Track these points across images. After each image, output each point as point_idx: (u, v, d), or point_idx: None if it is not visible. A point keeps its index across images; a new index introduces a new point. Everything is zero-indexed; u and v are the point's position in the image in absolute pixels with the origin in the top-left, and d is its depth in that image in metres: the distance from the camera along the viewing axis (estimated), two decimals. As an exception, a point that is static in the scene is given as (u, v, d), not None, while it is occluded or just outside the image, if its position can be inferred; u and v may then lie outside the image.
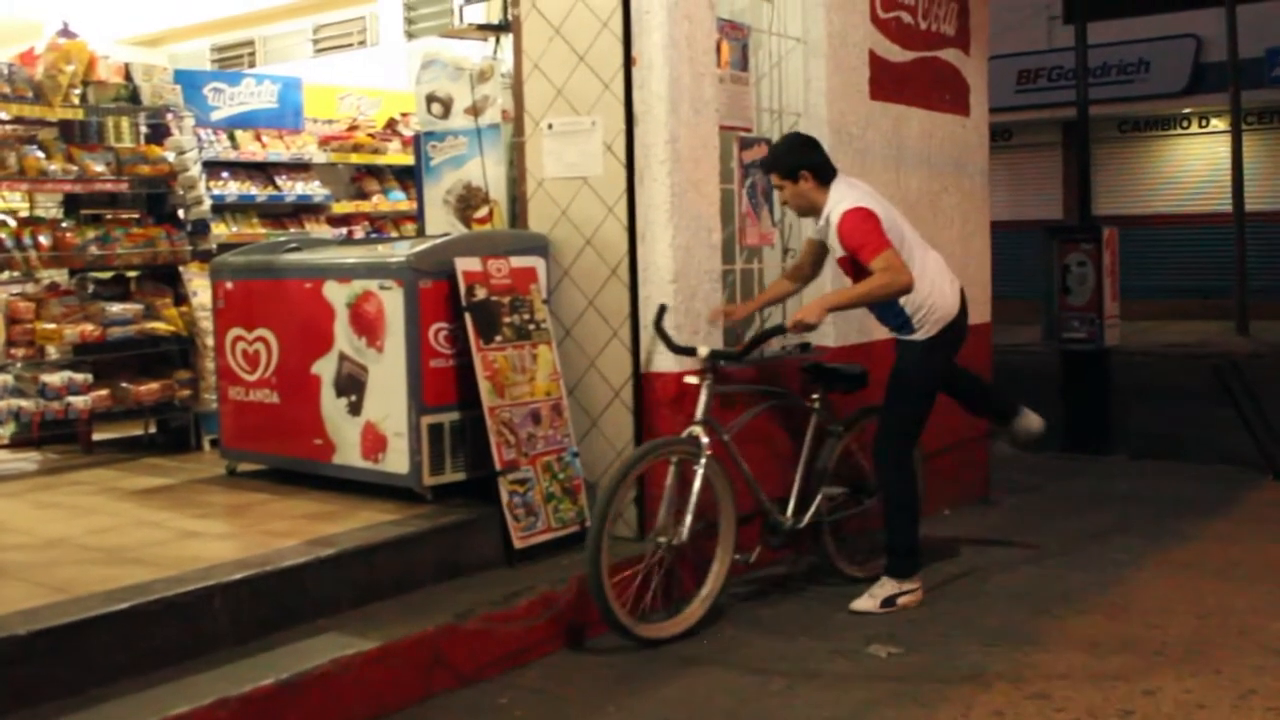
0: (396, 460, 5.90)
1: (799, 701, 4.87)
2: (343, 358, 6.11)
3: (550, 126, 6.31)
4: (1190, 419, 12.11)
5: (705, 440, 5.67)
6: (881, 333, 7.52)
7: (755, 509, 6.11)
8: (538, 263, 6.17)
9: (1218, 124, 23.53)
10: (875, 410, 6.48)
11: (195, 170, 7.95)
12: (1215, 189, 23.25)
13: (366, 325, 5.98)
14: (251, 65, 13.19)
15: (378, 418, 5.97)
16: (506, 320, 5.90)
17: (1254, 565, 6.80)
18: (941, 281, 6.21)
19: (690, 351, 5.89)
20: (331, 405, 6.18)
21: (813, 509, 6.27)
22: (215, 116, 8.77)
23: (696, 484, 5.63)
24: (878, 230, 5.90)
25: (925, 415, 6.28)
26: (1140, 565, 6.84)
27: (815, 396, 6.41)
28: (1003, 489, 8.88)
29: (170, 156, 7.91)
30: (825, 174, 6.09)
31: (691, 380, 5.87)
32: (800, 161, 6.06)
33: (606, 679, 5.12)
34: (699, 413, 5.75)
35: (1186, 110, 23.94)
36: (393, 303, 5.87)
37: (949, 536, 7.46)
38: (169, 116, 8.01)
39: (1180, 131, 24.45)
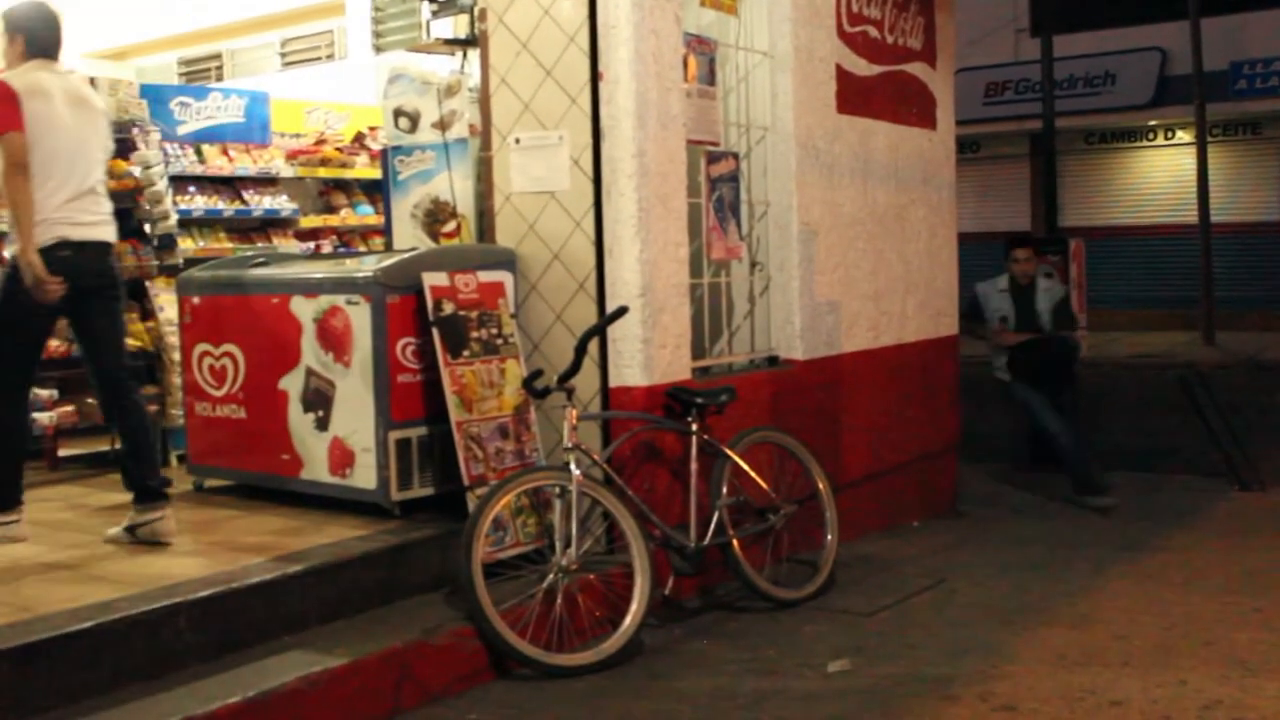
0: (364, 475, 5.89)
1: (765, 716, 4.87)
2: (310, 373, 6.10)
3: (518, 141, 6.31)
4: (1157, 430, 12.18)
5: (574, 469, 5.47)
6: (853, 344, 7.59)
7: (660, 536, 5.95)
8: (505, 277, 6.17)
9: (1183, 136, 23.69)
10: (763, 430, 6.55)
11: (161, 185, 7.92)
12: (1181, 200, 23.40)
13: (334, 340, 5.97)
14: (219, 79, 13.16)
15: (345, 433, 5.96)
16: (474, 335, 5.90)
17: (1220, 576, 6.85)
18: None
19: (543, 393, 5.73)
20: (299, 420, 6.17)
21: (712, 529, 6.07)
22: (182, 131, 8.73)
23: (573, 512, 5.44)
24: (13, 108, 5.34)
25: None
26: (1107, 576, 6.88)
27: (690, 420, 6.14)
28: (970, 501, 8.92)
29: (136, 171, 7.88)
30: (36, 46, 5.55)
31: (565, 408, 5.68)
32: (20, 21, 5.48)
33: (575, 694, 5.11)
34: (565, 441, 5.57)
35: (1152, 122, 24.10)
36: (360, 318, 5.86)
37: (917, 548, 7.48)
38: (135, 131, 7.98)
39: (1146, 144, 24.61)
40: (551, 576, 5.43)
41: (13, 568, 5.31)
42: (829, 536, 6.66)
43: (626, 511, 5.66)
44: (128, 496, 5.80)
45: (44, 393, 7.26)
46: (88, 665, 4.42)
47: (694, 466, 6.13)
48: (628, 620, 5.48)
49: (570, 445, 5.54)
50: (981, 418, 10.10)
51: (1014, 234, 19.38)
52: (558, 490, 5.55)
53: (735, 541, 6.17)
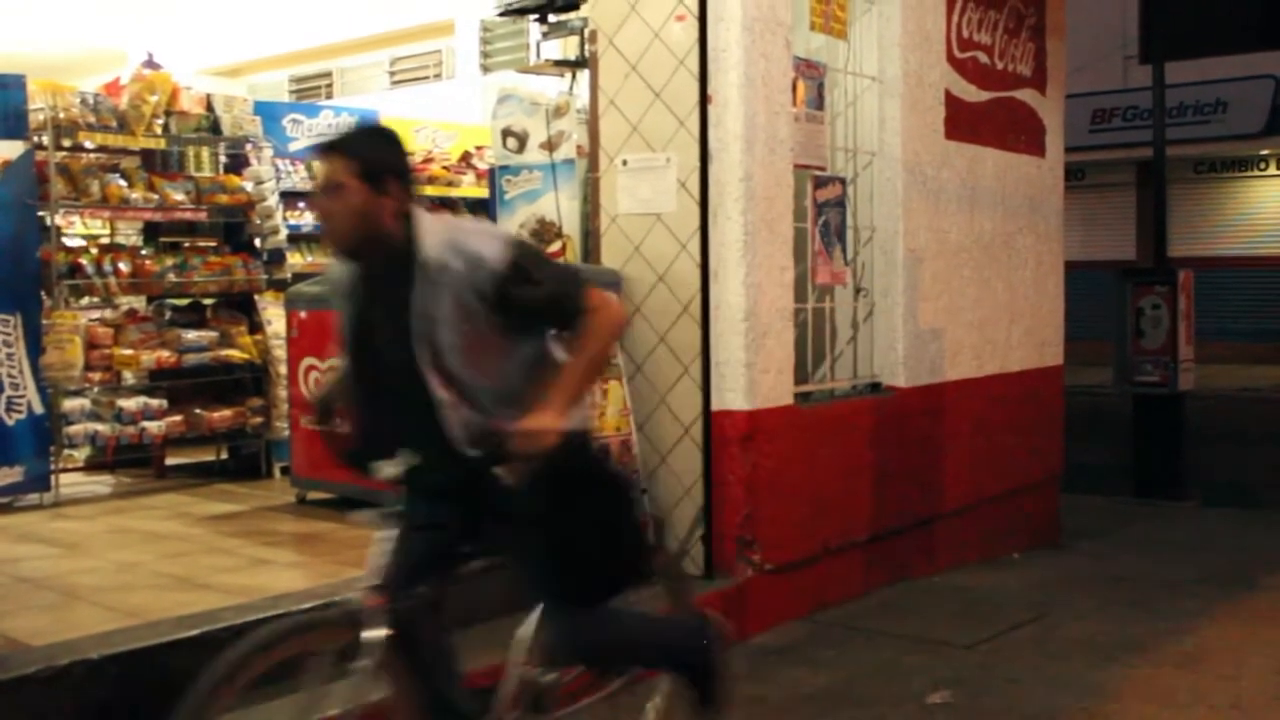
0: (465, 492, 5.90)
1: (865, 746, 4.83)
2: (414, 389, 6.13)
3: (625, 163, 6.33)
4: (1265, 465, 11.93)
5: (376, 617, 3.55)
6: (956, 372, 7.51)
7: None
8: (610, 298, 6.17)
9: (1296, 166, 23.26)
10: None
11: (272, 200, 8.06)
12: (1292, 232, 22.98)
13: (438, 357, 6.00)
14: (329, 97, 13.34)
15: (448, 450, 5.98)
16: (577, 355, 5.90)
17: (1331, 618, 6.69)
18: None
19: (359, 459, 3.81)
20: (402, 436, 6.20)
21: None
22: (293, 147, 8.87)
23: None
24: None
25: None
26: (1213, 615, 6.73)
27: None
28: (1074, 534, 8.78)
29: (248, 186, 8.03)
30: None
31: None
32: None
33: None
34: (369, 573, 3.63)
35: (1264, 152, 23.66)
36: (465, 335, 5.88)
37: (1018, 580, 7.38)
38: (248, 147, 8.14)
39: (1257, 173, 24.16)
40: None
41: (122, 574, 5.41)
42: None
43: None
44: (231, 506, 5.85)
45: (154, 402, 7.39)
46: (194, 671, 4.47)
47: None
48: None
49: (376, 580, 3.57)
50: (1086, 448, 9.96)
51: (1121, 263, 19.14)
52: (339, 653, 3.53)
53: None
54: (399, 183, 3.48)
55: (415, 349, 3.44)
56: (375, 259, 3.52)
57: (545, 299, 3.49)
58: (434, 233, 3.47)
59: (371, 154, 3.47)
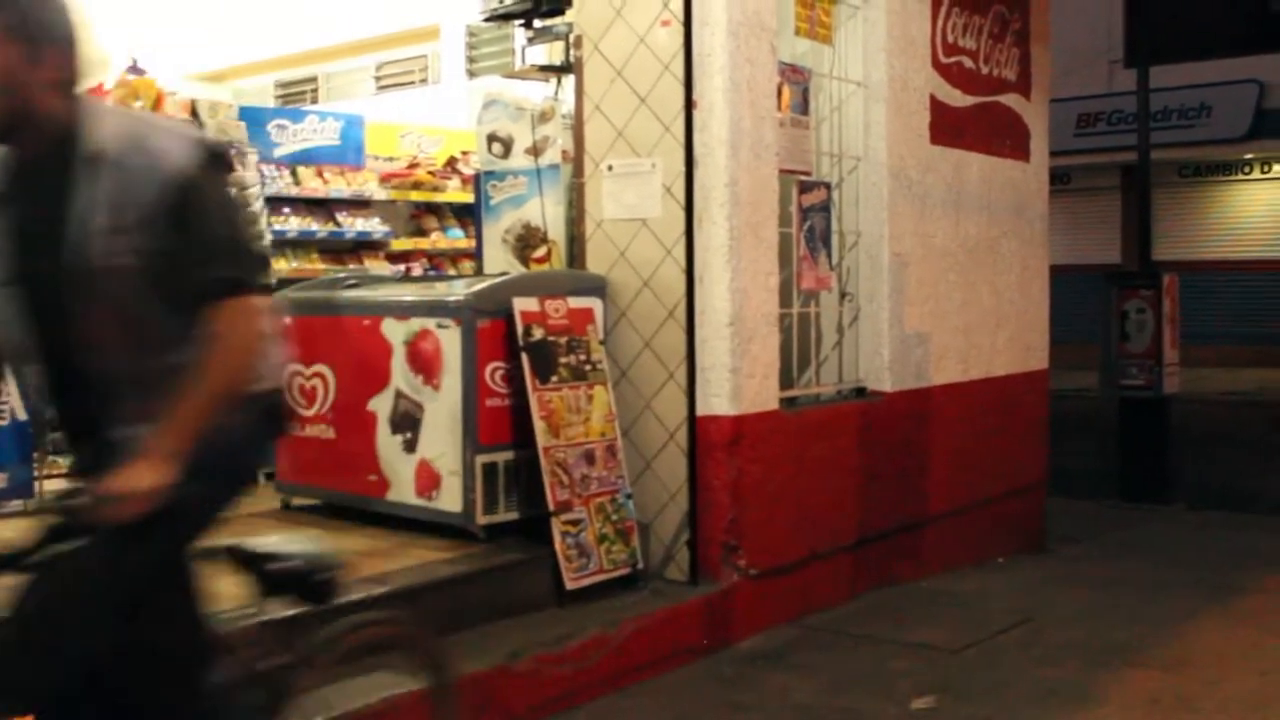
0: (450, 499, 5.91)
1: (851, 751, 4.83)
2: (399, 395, 6.14)
3: (610, 168, 6.33)
4: (1251, 469, 11.96)
5: None
6: (942, 376, 7.52)
7: None
8: (595, 303, 6.18)
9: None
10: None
11: (257, 206, 8.03)
12: (1277, 235, 23.01)
13: (423, 363, 6.01)
14: (314, 101, 13.33)
15: (432, 455, 5.99)
16: (563, 360, 5.91)
17: (1316, 621, 6.70)
18: None
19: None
20: (387, 442, 6.20)
21: None
22: (278, 153, 8.85)
23: None
24: None
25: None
26: (1199, 618, 6.74)
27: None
28: (1060, 538, 8.79)
29: (233, 192, 8.00)
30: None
31: None
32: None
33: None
34: None
35: (1248, 156, 23.73)
36: (450, 341, 5.89)
37: (1004, 585, 7.39)
38: (233, 152, 8.10)
39: (1241, 177, 24.23)
40: None
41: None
42: None
43: None
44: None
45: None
46: (177, 681, 4.45)
47: None
48: None
49: None
50: (1072, 452, 9.97)
51: (1107, 267, 19.19)
52: None
53: None
54: (63, 50, 2.84)
55: (70, 273, 2.76)
56: (27, 143, 2.85)
57: (189, 248, 2.78)
58: (110, 120, 2.85)
59: (26, 6, 2.79)
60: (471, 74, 7.42)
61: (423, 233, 9.97)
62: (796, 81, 6.61)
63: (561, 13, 6.68)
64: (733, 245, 6.03)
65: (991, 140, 8.16)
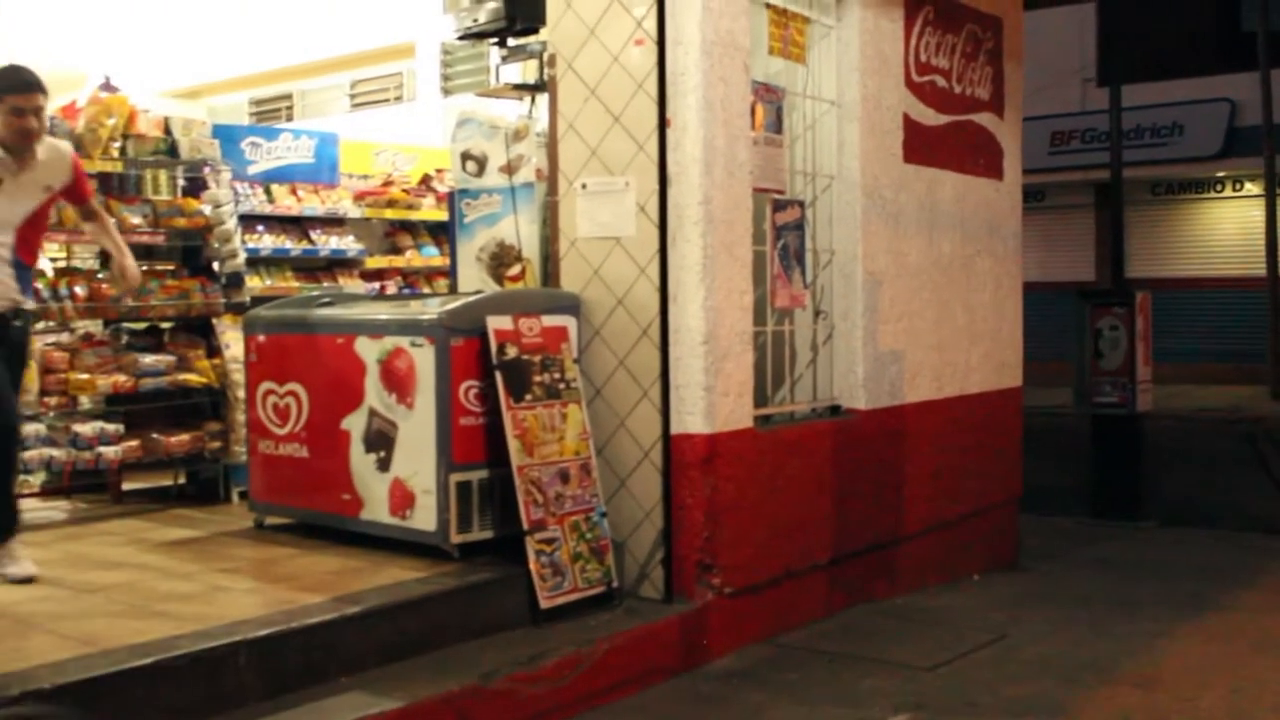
0: (424, 517, 5.89)
1: (825, 770, 4.82)
2: (373, 414, 6.12)
3: (584, 186, 6.33)
4: (1223, 485, 12.01)
5: None
6: (916, 394, 7.54)
7: None
8: (569, 322, 6.18)
9: (1251, 188, 23.45)
10: None
11: (231, 223, 8.00)
12: (1248, 253, 23.12)
13: (397, 382, 6.00)
14: (289, 119, 13.29)
15: (406, 474, 5.97)
16: (537, 379, 5.90)
17: (1288, 638, 6.73)
18: None
19: None
20: (360, 461, 6.19)
21: None
22: (252, 170, 8.83)
23: None
24: None
25: None
26: (1172, 635, 6.76)
27: None
28: (1033, 555, 8.81)
29: (207, 209, 7.98)
30: None
31: None
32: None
33: None
34: None
35: (1220, 174, 23.87)
36: (424, 360, 5.88)
37: (978, 602, 7.40)
38: (206, 170, 8.08)
39: (1214, 195, 24.37)
40: None
41: (78, 601, 5.35)
42: None
43: None
44: (189, 532, 5.81)
45: (110, 427, 7.33)
46: (148, 701, 4.44)
47: None
48: None
49: None
50: (1046, 469, 10.00)
51: (1080, 284, 19.27)
52: None
53: None
54: None
55: None
56: None
57: None
58: None
59: None
60: (446, 92, 7.40)
61: (397, 251, 9.95)
62: (770, 100, 6.63)
63: (536, 31, 6.68)
64: (706, 264, 6.04)
65: (965, 159, 8.20)
